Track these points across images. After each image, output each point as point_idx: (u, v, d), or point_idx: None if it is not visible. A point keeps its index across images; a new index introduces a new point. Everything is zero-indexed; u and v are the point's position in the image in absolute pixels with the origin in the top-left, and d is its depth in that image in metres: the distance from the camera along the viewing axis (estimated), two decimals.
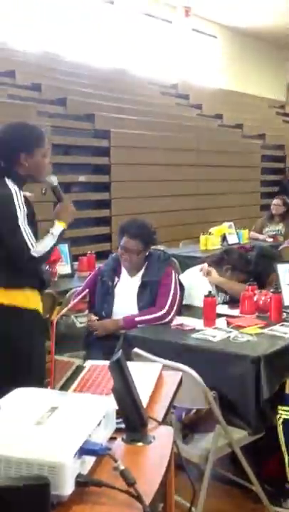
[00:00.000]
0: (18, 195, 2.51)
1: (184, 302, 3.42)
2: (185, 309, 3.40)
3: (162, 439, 1.46)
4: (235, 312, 3.29)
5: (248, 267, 3.72)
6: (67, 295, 3.71)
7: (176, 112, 10.07)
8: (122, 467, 1.17)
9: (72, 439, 1.21)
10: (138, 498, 1.13)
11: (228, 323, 3.09)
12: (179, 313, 3.28)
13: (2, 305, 2.51)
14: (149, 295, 3.29)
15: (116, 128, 7.38)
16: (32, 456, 1.14)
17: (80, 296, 2.46)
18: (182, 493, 2.17)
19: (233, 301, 3.48)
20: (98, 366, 1.89)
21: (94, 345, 3.24)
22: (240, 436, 2.63)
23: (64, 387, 1.72)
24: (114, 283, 3.39)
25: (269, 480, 2.77)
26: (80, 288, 3.57)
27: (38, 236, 2.56)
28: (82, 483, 1.17)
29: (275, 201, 7.23)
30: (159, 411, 1.63)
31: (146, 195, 7.59)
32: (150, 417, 1.54)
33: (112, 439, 1.40)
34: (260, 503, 2.68)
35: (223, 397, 2.57)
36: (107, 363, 1.45)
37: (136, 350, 2.61)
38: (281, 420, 2.64)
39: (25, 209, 2.51)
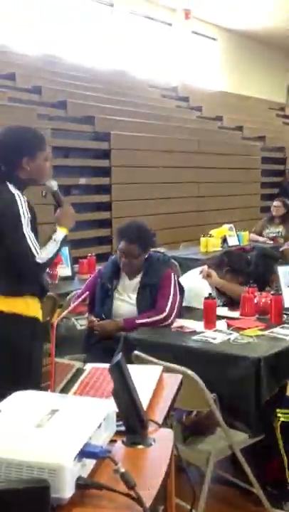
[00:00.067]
0: (22, 201, 2.49)
1: (184, 304, 3.42)
2: (185, 312, 3.40)
3: (162, 441, 1.46)
4: (236, 314, 3.29)
5: (248, 269, 3.72)
6: (68, 298, 3.71)
7: (176, 114, 10.07)
8: (122, 470, 1.17)
9: (72, 441, 1.21)
10: (138, 500, 1.13)
11: (229, 326, 3.09)
12: (179, 315, 3.28)
13: (2, 312, 2.49)
14: (149, 297, 3.28)
15: (116, 130, 7.39)
16: (32, 459, 1.14)
17: (80, 299, 2.47)
18: (183, 495, 2.17)
19: (233, 303, 3.48)
20: (98, 369, 1.89)
21: (94, 347, 3.24)
22: (240, 438, 2.63)
23: (64, 390, 1.72)
24: (114, 285, 3.38)
25: (271, 482, 2.77)
26: (81, 290, 3.57)
27: (38, 241, 2.55)
28: (83, 485, 1.17)
29: (276, 203, 7.24)
30: (159, 413, 1.63)
31: (146, 198, 7.59)
32: (150, 420, 1.54)
33: (113, 441, 1.41)
34: (261, 506, 2.68)
35: (224, 399, 2.57)
36: (107, 365, 1.45)
37: (136, 352, 2.61)
38: (279, 423, 2.64)
39: (29, 214, 2.50)
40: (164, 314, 3.18)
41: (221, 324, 3.10)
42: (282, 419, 2.64)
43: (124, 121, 7.82)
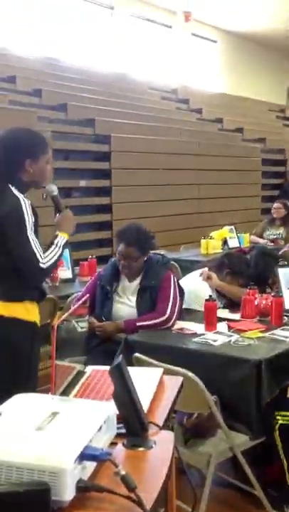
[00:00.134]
0: (26, 205, 2.47)
1: (184, 306, 3.42)
2: (186, 314, 3.39)
3: (163, 443, 1.46)
4: (236, 316, 3.29)
5: (249, 271, 3.72)
6: (68, 300, 3.71)
7: (176, 116, 10.08)
8: (122, 472, 1.17)
9: (72, 444, 1.21)
10: (139, 503, 1.13)
11: (229, 328, 3.09)
12: (179, 317, 3.28)
13: (2, 316, 2.49)
14: (149, 299, 3.28)
15: (116, 133, 7.40)
16: (33, 462, 1.15)
17: (80, 301, 2.46)
18: (183, 497, 2.17)
19: (233, 305, 3.48)
20: (99, 371, 1.89)
21: (95, 350, 3.24)
22: (241, 440, 2.63)
23: (65, 393, 1.72)
24: (114, 288, 3.39)
25: (272, 484, 2.76)
26: (81, 293, 3.57)
27: (40, 244, 2.56)
28: (83, 488, 1.17)
29: (276, 205, 7.24)
30: (159, 416, 1.63)
31: (146, 200, 7.59)
32: (151, 422, 1.54)
33: (113, 444, 1.41)
34: (262, 508, 2.67)
35: (225, 401, 2.57)
36: (107, 367, 1.45)
37: (137, 355, 2.61)
38: (278, 426, 2.63)
39: (33, 219, 2.49)
40: (165, 317, 3.18)
41: (222, 326, 3.10)
42: (281, 421, 2.64)
43: (125, 123, 7.82)
